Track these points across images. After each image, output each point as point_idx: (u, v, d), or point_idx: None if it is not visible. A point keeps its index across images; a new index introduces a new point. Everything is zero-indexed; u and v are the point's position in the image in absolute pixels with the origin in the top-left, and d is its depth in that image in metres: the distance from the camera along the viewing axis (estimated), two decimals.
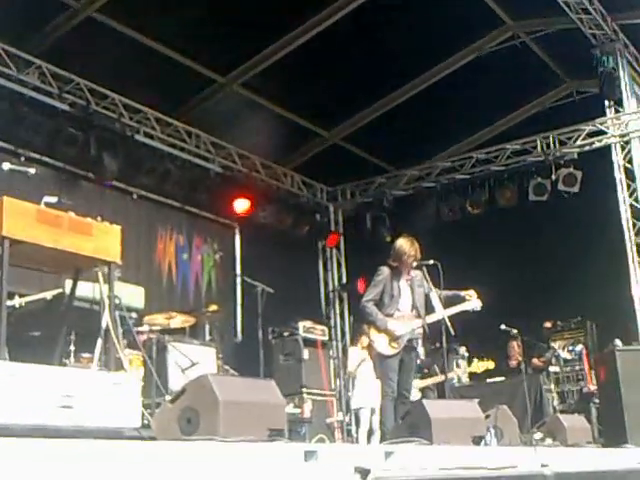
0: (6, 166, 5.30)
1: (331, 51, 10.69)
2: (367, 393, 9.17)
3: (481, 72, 11.61)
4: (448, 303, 7.58)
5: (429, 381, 10.36)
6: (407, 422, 6.17)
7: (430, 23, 10.31)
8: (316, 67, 10.93)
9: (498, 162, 13.17)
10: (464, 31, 11.09)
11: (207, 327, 9.43)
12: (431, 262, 7.51)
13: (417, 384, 9.85)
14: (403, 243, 7.44)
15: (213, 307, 9.19)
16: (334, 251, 14.86)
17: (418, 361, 9.20)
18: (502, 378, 10.80)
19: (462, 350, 11.61)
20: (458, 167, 13.53)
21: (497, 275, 11.79)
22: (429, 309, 7.65)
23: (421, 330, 7.39)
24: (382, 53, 10.81)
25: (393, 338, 7.20)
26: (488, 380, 10.86)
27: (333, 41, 10.55)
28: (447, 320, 7.56)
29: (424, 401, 6.81)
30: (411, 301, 7.40)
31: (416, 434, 5.80)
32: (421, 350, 9.46)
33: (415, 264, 7.43)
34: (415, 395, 9.37)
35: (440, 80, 12.06)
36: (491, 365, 10.62)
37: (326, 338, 10.71)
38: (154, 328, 7.56)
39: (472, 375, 11.20)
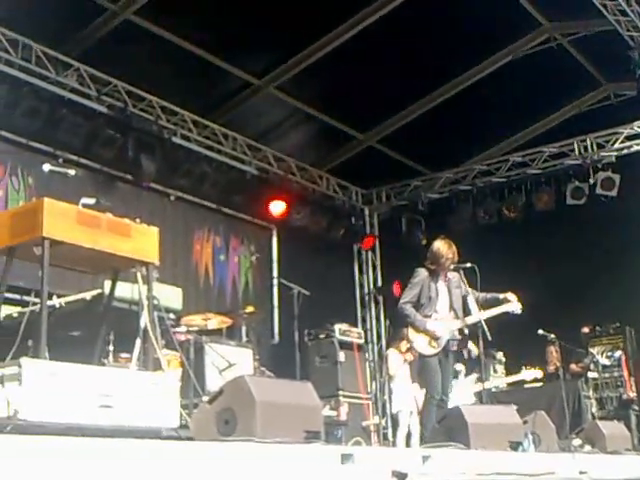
0: (46, 167, 5.36)
1: (366, 53, 10.67)
2: (406, 396, 9.14)
3: (517, 74, 11.52)
4: (486, 306, 7.54)
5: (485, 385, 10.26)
6: (444, 426, 6.13)
7: (466, 25, 10.25)
8: (352, 69, 10.91)
9: (535, 165, 13.08)
10: (500, 33, 11.01)
11: (244, 329, 9.45)
12: (468, 265, 7.48)
13: (473, 388, 9.79)
14: (441, 245, 7.41)
15: (250, 309, 9.21)
16: (369, 254, 14.84)
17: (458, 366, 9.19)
18: (540, 384, 10.69)
19: (499, 355, 11.52)
20: (494, 170, 13.45)
21: (534, 279, 11.68)
22: (466, 312, 7.61)
23: (457, 332, 7.36)
24: (417, 55, 10.77)
25: (433, 338, 7.18)
26: (526, 385, 10.76)
27: (368, 43, 10.53)
28: (484, 324, 7.52)
29: (461, 406, 6.77)
30: (449, 303, 7.38)
31: (453, 438, 5.76)
32: (474, 349, 9.38)
33: (452, 266, 7.40)
34: (470, 400, 9.31)
35: (476, 83, 11.99)
36: (539, 374, 10.43)
37: (362, 341, 10.69)
38: (191, 329, 7.59)
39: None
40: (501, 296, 7.52)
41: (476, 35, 10.55)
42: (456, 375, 9.68)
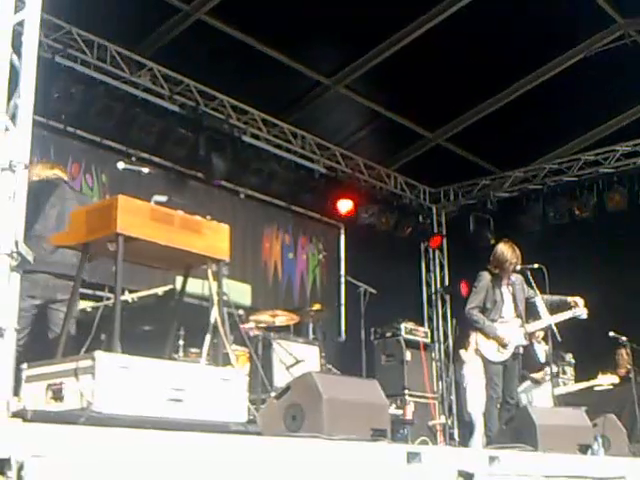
0: (121, 165, 5.48)
1: (436, 51, 10.60)
2: (481, 397, 9.04)
3: (590, 72, 11.29)
4: (554, 309, 7.46)
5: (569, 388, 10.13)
6: (512, 427, 6.10)
7: (538, 22, 10.11)
8: (421, 68, 10.85)
9: (607, 164, 12.84)
10: (573, 30, 10.82)
11: (311, 326, 9.51)
12: (536, 266, 7.41)
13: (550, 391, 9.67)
14: (504, 249, 7.35)
15: (317, 306, 9.25)
16: (437, 253, 14.77)
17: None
18: (610, 386, 10.49)
19: (568, 357, 11.34)
20: (565, 169, 13.25)
21: (605, 280, 11.48)
22: (535, 315, 7.54)
23: (524, 337, 7.31)
24: (487, 53, 10.65)
25: (502, 344, 7.13)
26: (596, 388, 10.57)
27: (438, 41, 10.46)
28: (554, 326, 7.45)
29: (529, 407, 6.73)
30: (513, 307, 7.32)
31: (521, 440, 5.72)
32: (541, 352, 9.27)
33: (518, 268, 7.33)
34: (548, 403, 9.19)
35: (547, 80, 11.79)
36: (616, 380, 10.22)
37: (428, 340, 10.64)
38: (260, 325, 7.66)
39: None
40: (569, 299, 7.43)
41: (548, 32, 10.39)
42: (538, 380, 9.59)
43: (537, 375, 9.53)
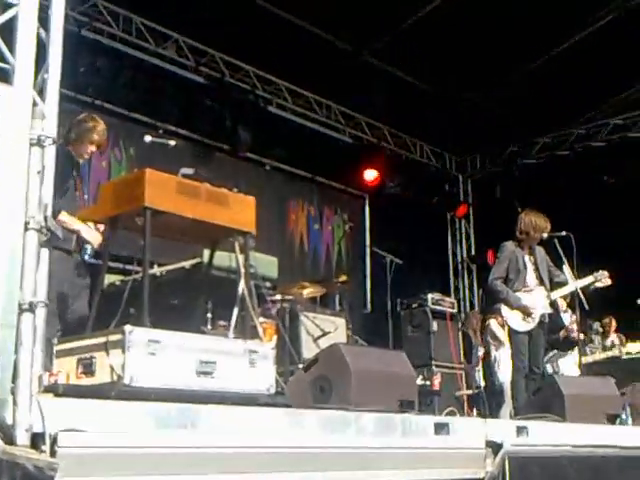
0: (147, 138, 5.49)
1: (462, 16, 10.45)
2: (509, 367, 9.04)
3: (619, 35, 11.11)
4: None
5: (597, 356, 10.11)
6: (539, 398, 6.10)
7: None
8: (447, 33, 10.72)
9: (636, 129, 12.66)
10: None
11: (337, 297, 9.52)
12: (563, 233, 7.38)
13: (575, 360, 9.65)
14: (532, 217, 7.32)
15: (343, 277, 9.26)
16: (463, 222, 14.72)
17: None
18: (637, 355, 10.44)
19: (596, 325, 11.29)
20: (594, 134, 13.08)
21: (632, 249, 11.38)
22: (562, 282, 7.51)
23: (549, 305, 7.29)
24: (516, 18, 10.50)
25: (527, 313, 7.11)
26: (623, 357, 10.53)
27: (465, 5, 10.31)
28: (581, 294, 7.42)
29: (557, 377, 6.71)
30: (537, 275, 7.29)
31: (548, 410, 5.72)
32: (567, 320, 9.23)
33: (545, 236, 7.30)
34: (574, 372, 9.19)
35: (574, 44, 11.62)
36: None
37: (455, 310, 10.61)
38: (287, 297, 7.69)
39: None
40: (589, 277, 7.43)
41: None
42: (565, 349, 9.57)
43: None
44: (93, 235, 5.48)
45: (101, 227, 5.28)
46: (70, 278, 5.55)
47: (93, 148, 5.91)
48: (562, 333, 9.46)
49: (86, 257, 5.65)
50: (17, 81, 3.18)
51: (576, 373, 9.27)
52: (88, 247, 5.60)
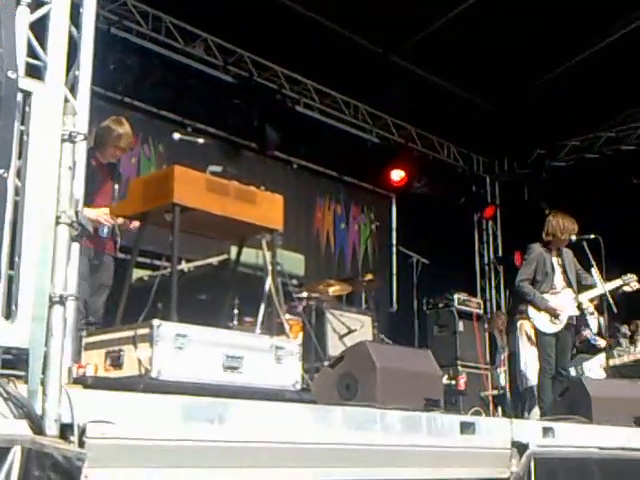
0: (176, 136, 5.54)
1: (491, 19, 10.42)
2: (536, 368, 8.99)
3: None
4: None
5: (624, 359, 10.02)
6: (566, 400, 6.07)
7: None
8: (475, 35, 10.69)
9: None
10: None
11: (363, 296, 9.53)
12: (592, 236, 7.33)
13: (601, 363, 9.58)
14: (560, 219, 7.30)
15: (369, 276, 9.25)
16: (490, 223, 14.65)
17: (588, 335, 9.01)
18: None
19: (624, 328, 11.21)
20: (624, 138, 12.98)
21: None
22: (590, 285, 7.47)
23: (577, 308, 7.26)
24: (544, 21, 10.45)
25: (554, 315, 7.08)
26: None
27: (494, 8, 10.27)
28: (609, 297, 7.37)
29: (584, 379, 6.67)
30: (565, 277, 7.26)
31: (575, 412, 5.69)
32: (594, 323, 9.18)
33: (574, 238, 7.27)
34: (599, 375, 9.13)
35: (604, 47, 11.54)
36: None
37: (481, 311, 10.58)
38: (313, 295, 7.70)
39: None
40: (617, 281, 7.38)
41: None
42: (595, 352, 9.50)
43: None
44: (95, 212, 5.50)
45: (136, 223, 5.32)
46: (90, 275, 5.60)
47: (119, 152, 5.95)
48: (578, 338, 9.40)
49: (104, 235, 5.70)
50: (49, 78, 3.22)
51: (602, 376, 9.20)
52: (104, 227, 5.65)
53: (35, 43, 3.21)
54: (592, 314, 9.28)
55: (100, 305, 5.69)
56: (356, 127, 12.32)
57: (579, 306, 7.35)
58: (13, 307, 2.79)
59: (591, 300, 8.32)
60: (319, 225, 12.02)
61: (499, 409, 9.55)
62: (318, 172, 12.04)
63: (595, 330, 9.37)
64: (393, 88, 12.34)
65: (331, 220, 12.24)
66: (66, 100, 3.21)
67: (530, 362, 9.20)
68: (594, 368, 9.58)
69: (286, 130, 10.83)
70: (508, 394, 9.50)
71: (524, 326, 9.20)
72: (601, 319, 8.85)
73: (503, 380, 9.86)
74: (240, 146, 10.78)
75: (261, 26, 10.11)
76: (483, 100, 12.85)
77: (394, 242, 12.91)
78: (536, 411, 8.73)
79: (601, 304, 7.72)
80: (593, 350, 9.63)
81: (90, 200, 5.10)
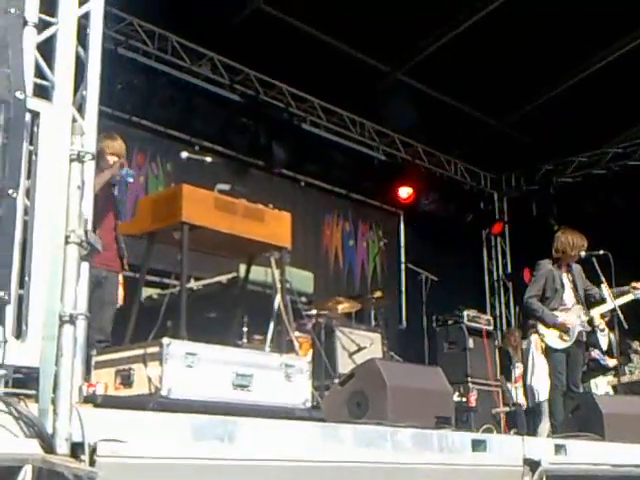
0: (184, 155, 5.56)
1: (496, 36, 10.44)
2: (546, 385, 8.94)
3: None
4: (616, 296, 7.36)
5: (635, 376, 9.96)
6: (577, 416, 6.03)
7: (599, 2, 9.88)
8: (480, 52, 10.71)
9: None
10: (636, 10, 10.55)
11: (372, 313, 9.51)
12: (601, 252, 7.30)
13: (609, 380, 9.53)
14: (569, 235, 7.27)
15: (378, 293, 9.25)
16: (499, 239, 14.64)
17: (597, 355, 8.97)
18: None
19: (635, 345, 11.14)
20: (631, 153, 12.97)
21: None
22: (600, 300, 7.44)
23: (587, 323, 7.22)
24: (548, 37, 10.46)
25: (564, 332, 7.04)
26: None
27: (497, 25, 10.29)
28: (620, 313, 7.34)
29: (595, 396, 6.62)
30: (575, 293, 7.23)
31: (587, 429, 5.65)
32: (604, 340, 9.13)
33: (583, 254, 7.24)
34: (606, 392, 9.08)
35: (611, 62, 11.55)
36: None
37: (491, 327, 10.55)
38: (322, 312, 7.69)
39: None
40: (625, 288, 7.33)
41: (610, 12, 10.16)
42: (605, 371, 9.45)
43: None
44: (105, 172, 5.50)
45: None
46: (96, 292, 5.59)
47: (115, 158, 5.91)
48: (587, 357, 9.35)
49: (130, 180, 5.71)
50: (57, 98, 3.24)
51: (609, 393, 9.15)
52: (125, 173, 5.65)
53: (43, 63, 3.23)
54: (602, 331, 9.22)
55: (107, 322, 5.68)
56: (363, 144, 12.35)
57: (590, 322, 7.31)
58: (24, 326, 2.79)
59: (602, 316, 8.29)
60: (327, 242, 12.02)
61: (515, 425, 9.49)
62: (326, 190, 12.06)
63: (605, 347, 9.31)
64: (399, 105, 12.37)
65: (339, 237, 12.24)
66: (74, 120, 3.22)
67: (539, 378, 9.16)
68: (601, 385, 9.53)
69: (293, 148, 10.87)
70: (522, 410, 9.45)
71: (535, 342, 9.17)
72: (612, 335, 8.79)
73: (517, 396, 9.80)
74: (248, 164, 10.80)
75: (267, 45, 10.16)
76: (489, 116, 12.86)
77: (403, 259, 12.89)
78: (543, 426, 8.69)
79: (612, 320, 7.69)
80: (602, 369, 9.58)
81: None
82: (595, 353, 9.30)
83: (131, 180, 5.80)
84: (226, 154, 10.45)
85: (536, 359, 9.13)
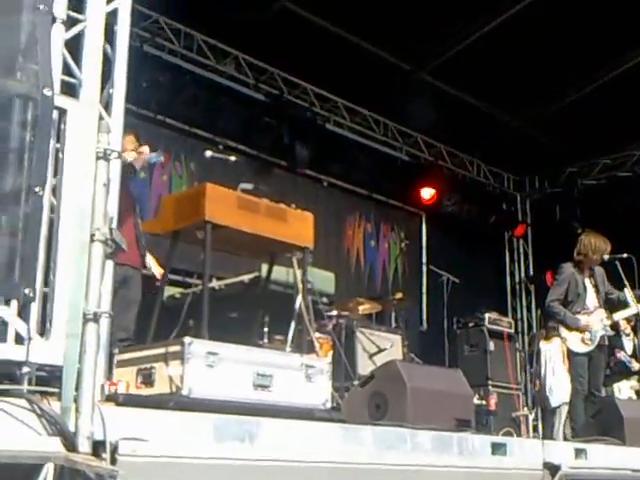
0: (208, 154, 5.57)
1: (520, 36, 10.39)
2: (563, 389, 8.89)
3: None
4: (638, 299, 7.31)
5: None
6: (598, 421, 5.99)
7: (627, 5, 9.81)
8: (504, 53, 10.66)
9: None
10: None
11: (393, 314, 9.49)
12: (625, 255, 7.26)
13: (632, 384, 9.45)
14: (592, 238, 7.23)
15: (399, 295, 9.22)
16: (521, 242, 14.56)
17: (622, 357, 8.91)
18: None
19: None
20: None
21: None
22: (623, 304, 7.39)
23: (610, 327, 7.18)
24: (573, 38, 10.40)
25: (586, 335, 7.00)
26: None
27: (522, 26, 10.24)
28: None
29: (617, 400, 6.58)
30: (597, 297, 7.19)
31: (608, 433, 5.62)
32: (629, 345, 9.07)
33: (606, 258, 7.20)
34: (629, 396, 9.01)
35: (637, 63, 11.45)
36: None
37: (512, 331, 10.50)
38: (343, 313, 7.69)
39: None
40: None
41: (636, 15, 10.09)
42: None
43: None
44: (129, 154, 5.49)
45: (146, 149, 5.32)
46: (121, 291, 5.61)
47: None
48: (612, 360, 9.28)
49: (158, 160, 5.72)
50: (84, 95, 3.26)
51: (632, 397, 9.08)
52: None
53: (70, 61, 3.24)
54: (628, 335, 9.17)
55: (131, 321, 5.70)
56: (386, 145, 12.33)
57: (613, 326, 7.26)
58: (47, 324, 2.81)
59: (628, 321, 8.23)
60: (349, 243, 12.01)
61: (536, 428, 9.45)
62: (348, 190, 12.05)
63: (630, 352, 9.24)
64: (423, 106, 12.34)
65: (361, 238, 12.23)
66: (101, 118, 3.24)
67: (558, 382, 9.11)
68: (624, 389, 9.46)
69: (316, 148, 10.86)
70: (540, 414, 9.40)
71: (557, 345, 9.12)
72: (636, 340, 8.74)
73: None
74: (271, 164, 10.82)
75: (291, 44, 10.17)
76: (513, 118, 12.80)
77: (424, 260, 12.86)
78: (558, 429, 8.65)
79: (637, 324, 7.64)
80: (627, 372, 9.50)
81: None
82: (621, 355, 9.23)
83: (161, 159, 5.74)
84: (249, 153, 10.48)
85: (556, 362, 9.10)
